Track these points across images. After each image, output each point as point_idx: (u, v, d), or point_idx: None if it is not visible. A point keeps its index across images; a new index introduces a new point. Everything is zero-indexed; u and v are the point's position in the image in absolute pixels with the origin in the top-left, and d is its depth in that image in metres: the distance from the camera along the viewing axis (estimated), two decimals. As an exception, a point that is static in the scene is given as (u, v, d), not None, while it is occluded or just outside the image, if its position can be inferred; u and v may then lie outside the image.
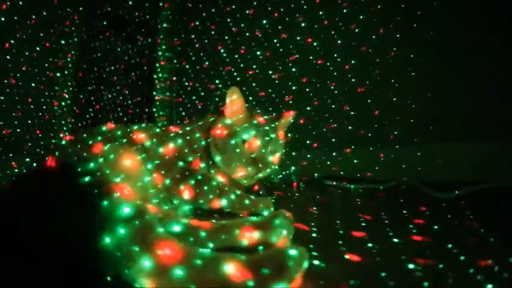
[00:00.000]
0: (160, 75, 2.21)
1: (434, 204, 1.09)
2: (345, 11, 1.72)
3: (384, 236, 0.76)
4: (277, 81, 1.90)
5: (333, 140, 1.71)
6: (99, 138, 0.82)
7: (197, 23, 2.23)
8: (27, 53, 1.56)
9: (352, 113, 1.72)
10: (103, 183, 0.60)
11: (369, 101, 1.66)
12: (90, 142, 0.78)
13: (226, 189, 0.94)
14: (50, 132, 1.71)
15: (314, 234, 0.78)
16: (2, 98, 1.48)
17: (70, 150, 0.75)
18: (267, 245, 0.64)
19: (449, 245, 0.69)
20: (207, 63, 2.18)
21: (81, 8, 1.86)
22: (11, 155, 1.41)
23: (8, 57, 1.47)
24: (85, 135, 0.84)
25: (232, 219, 0.70)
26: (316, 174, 1.71)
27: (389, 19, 1.60)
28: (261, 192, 1.23)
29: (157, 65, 2.22)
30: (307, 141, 1.74)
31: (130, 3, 2.11)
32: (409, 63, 1.56)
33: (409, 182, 1.43)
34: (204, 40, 2.20)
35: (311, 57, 1.82)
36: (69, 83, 1.84)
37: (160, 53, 2.23)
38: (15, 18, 1.50)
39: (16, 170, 1.19)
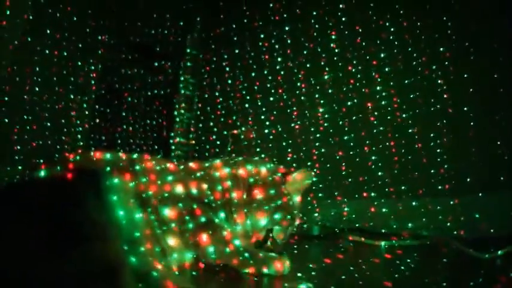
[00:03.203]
0: (181, 111, 2.17)
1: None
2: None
3: None
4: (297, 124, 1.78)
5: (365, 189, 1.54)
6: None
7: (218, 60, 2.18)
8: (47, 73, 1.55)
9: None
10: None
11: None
12: None
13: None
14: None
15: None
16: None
17: None
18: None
19: None
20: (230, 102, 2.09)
21: (106, 35, 1.86)
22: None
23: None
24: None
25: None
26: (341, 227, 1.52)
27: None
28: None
29: (178, 100, 2.18)
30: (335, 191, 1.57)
31: (156, 32, 2.12)
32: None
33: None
34: (227, 80, 2.13)
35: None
36: (88, 106, 1.81)
37: (182, 91, 2.20)
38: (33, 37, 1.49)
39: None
